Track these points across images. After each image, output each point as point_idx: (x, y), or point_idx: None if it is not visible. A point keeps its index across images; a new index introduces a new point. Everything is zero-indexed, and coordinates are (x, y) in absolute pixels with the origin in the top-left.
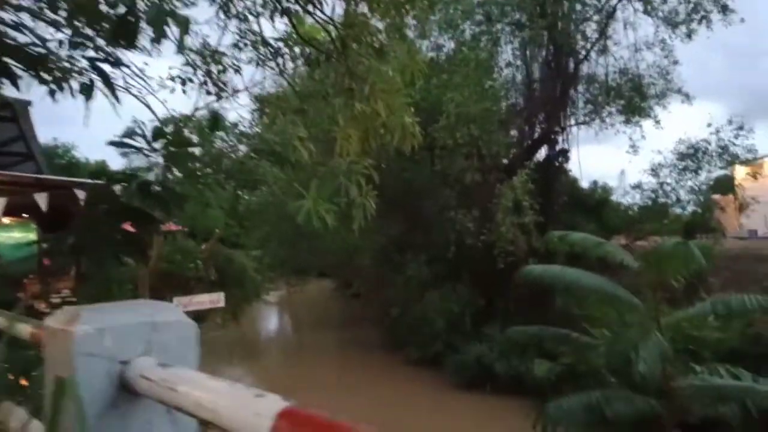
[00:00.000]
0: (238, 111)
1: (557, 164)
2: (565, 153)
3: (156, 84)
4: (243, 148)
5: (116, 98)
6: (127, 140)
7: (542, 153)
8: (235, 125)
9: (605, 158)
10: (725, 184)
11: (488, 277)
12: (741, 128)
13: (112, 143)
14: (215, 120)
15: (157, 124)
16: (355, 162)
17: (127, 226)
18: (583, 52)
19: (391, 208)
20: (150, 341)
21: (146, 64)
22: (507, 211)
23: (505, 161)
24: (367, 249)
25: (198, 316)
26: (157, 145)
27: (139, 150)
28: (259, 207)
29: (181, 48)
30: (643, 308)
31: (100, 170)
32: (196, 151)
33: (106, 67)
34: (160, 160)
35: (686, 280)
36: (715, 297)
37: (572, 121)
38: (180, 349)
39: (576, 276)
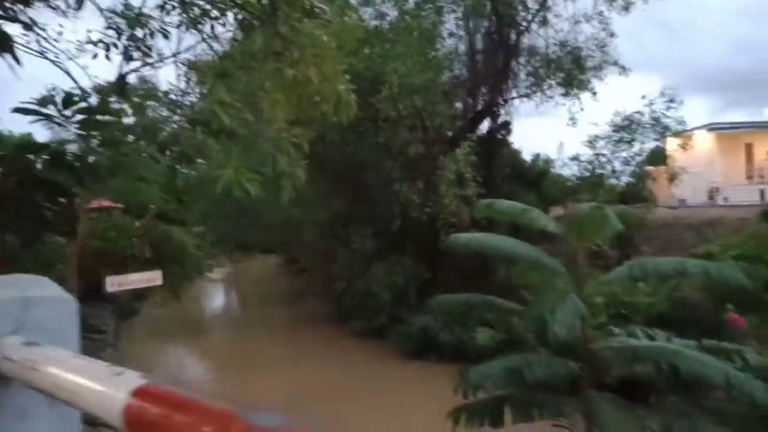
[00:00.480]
0: (169, 78)
1: (499, 137)
2: (507, 125)
3: (75, 49)
4: (178, 119)
5: (16, 60)
6: (35, 107)
7: (485, 125)
8: (167, 93)
9: (546, 131)
10: (658, 156)
11: (432, 249)
12: (672, 101)
13: (18, 110)
14: (122, 86)
15: (77, 91)
16: (284, 130)
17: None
18: (525, 24)
19: (337, 181)
20: (21, 319)
21: (62, 26)
22: (450, 184)
23: (449, 133)
24: (313, 224)
25: (138, 295)
26: (74, 114)
27: (48, 118)
28: (198, 181)
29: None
30: (566, 273)
31: (25, 143)
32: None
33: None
34: (76, 129)
35: (620, 247)
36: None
37: (514, 94)
38: (59, 326)
39: (501, 243)
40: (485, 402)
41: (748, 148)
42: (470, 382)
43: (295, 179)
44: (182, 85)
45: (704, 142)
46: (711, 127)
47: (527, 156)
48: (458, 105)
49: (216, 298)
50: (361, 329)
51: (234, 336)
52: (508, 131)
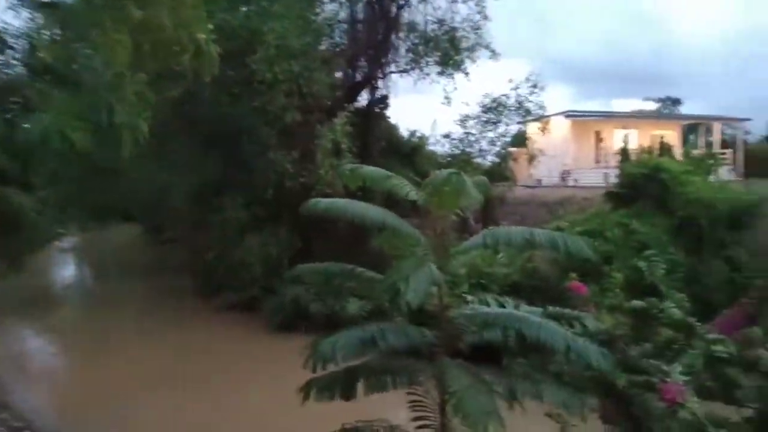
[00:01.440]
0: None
1: (377, 110)
2: (385, 99)
3: None
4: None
5: None
6: None
7: (364, 98)
8: None
9: (423, 108)
10: (520, 138)
11: (308, 219)
12: (536, 86)
13: None
14: None
15: None
16: (124, 76)
17: None
18: None
19: (209, 145)
20: None
21: None
22: (327, 154)
23: (328, 103)
24: (181, 190)
25: None
26: None
27: None
28: (42, 138)
29: None
30: (426, 242)
31: None
32: None
33: None
34: None
35: (483, 221)
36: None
37: (393, 68)
38: None
39: (362, 210)
40: (336, 374)
41: (597, 135)
42: (320, 354)
43: (138, 132)
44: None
45: (560, 128)
46: (567, 114)
47: (404, 132)
48: (338, 74)
49: (67, 269)
50: (232, 303)
51: (84, 312)
52: (386, 105)
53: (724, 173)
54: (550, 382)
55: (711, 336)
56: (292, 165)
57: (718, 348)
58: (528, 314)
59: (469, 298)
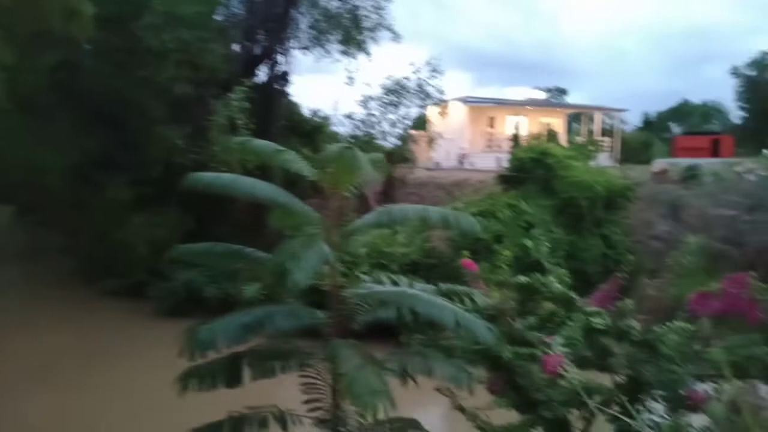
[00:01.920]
0: None
1: (278, 87)
2: (285, 76)
3: None
4: None
5: None
6: None
7: (264, 74)
8: None
9: (326, 87)
10: (421, 121)
11: (201, 199)
12: (436, 71)
13: None
14: None
15: None
16: None
17: None
18: None
19: (90, 118)
20: None
21: None
22: (221, 130)
23: (223, 76)
24: (58, 167)
25: None
26: None
27: None
28: None
29: None
30: (319, 220)
31: None
32: None
33: None
34: None
35: (383, 202)
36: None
37: (295, 45)
38: None
39: (248, 186)
40: (218, 361)
41: (491, 121)
42: (198, 341)
43: None
44: None
45: (458, 113)
46: (464, 100)
47: (306, 111)
48: (235, 48)
49: None
50: (115, 288)
51: None
52: (287, 82)
53: (603, 159)
54: (440, 356)
55: (589, 309)
56: (184, 141)
57: (596, 320)
58: (420, 292)
59: (363, 277)
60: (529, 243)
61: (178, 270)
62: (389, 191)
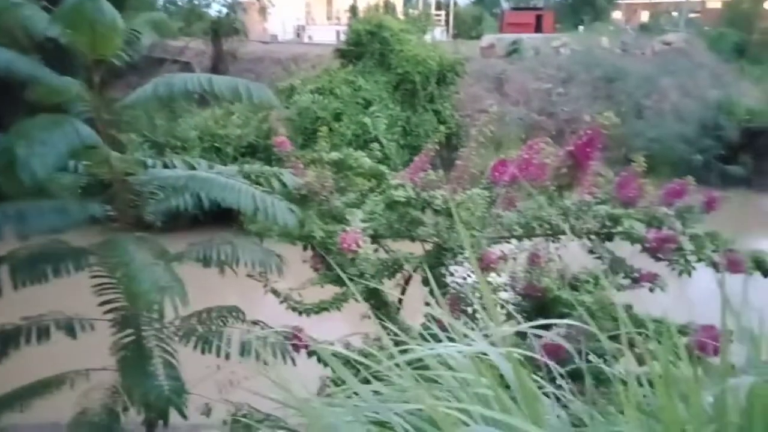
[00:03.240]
0: None
1: None
2: None
3: None
4: None
5: None
6: None
7: None
8: None
9: None
10: None
11: None
12: None
13: None
14: None
15: None
16: None
17: None
18: None
19: None
20: None
21: None
22: None
23: None
24: None
25: None
26: None
27: None
28: None
29: None
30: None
31: None
32: None
33: None
34: None
35: None
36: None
37: None
38: None
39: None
40: None
41: None
42: None
43: None
44: None
45: None
46: None
47: None
48: None
49: None
50: None
51: None
52: None
53: (438, 34)
54: (249, 244)
55: (393, 182)
56: None
57: (398, 192)
58: (216, 175)
59: (150, 162)
60: (367, 121)
61: None
62: (218, 66)
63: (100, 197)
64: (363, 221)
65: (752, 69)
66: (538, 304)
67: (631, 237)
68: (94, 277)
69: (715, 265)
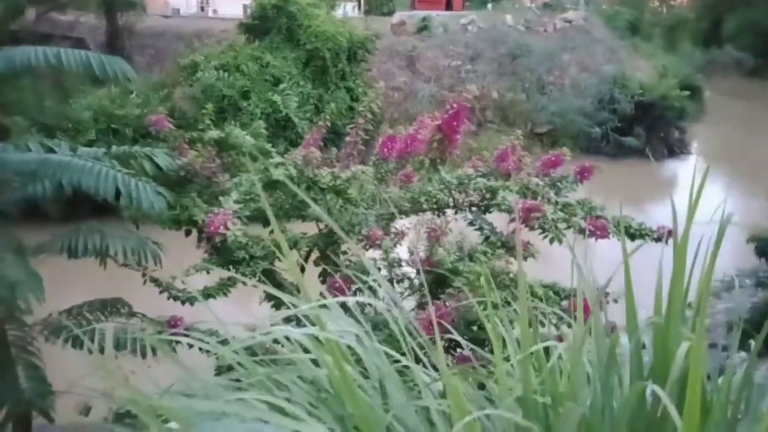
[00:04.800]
0: None
1: None
2: None
3: None
4: None
5: None
6: None
7: None
8: None
9: None
10: None
11: None
12: None
13: None
14: None
15: None
16: None
17: None
18: None
19: None
20: None
21: None
22: None
23: None
24: None
25: None
26: None
27: None
28: None
29: None
30: None
31: None
32: None
33: None
34: None
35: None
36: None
37: None
38: None
39: None
40: None
41: None
42: None
43: None
44: None
45: None
46: None
47: None
48: None
49: None
50: None
51: None
52: None
53: (349, 9)
54: (121, 233)
55: (273, 161)
56: None
57: (277, 171)
58: (73, 159)
59: (11, 146)
60: (277, 98)
61: None
62: (115, 42)
63: None
64: (238, 202)
65: (644, 46)
66: (438, 277)
67: (502, 208)
68: None
69: (582, 232)
